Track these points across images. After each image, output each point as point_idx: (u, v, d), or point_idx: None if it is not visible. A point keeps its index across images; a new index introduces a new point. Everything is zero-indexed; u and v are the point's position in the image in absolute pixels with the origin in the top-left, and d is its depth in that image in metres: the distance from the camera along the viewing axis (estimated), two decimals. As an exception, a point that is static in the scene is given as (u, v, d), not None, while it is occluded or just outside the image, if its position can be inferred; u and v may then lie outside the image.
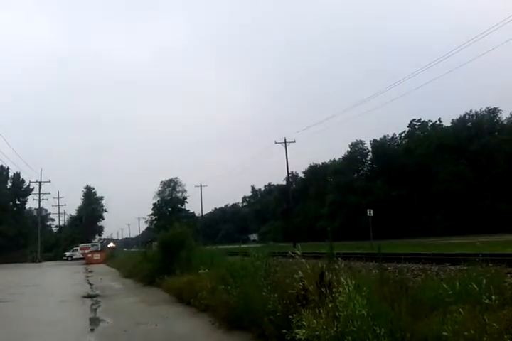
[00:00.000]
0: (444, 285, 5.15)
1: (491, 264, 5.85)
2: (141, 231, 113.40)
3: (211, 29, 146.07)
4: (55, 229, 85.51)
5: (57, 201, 75.68)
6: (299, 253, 6.76)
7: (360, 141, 69.89)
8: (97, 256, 43.51)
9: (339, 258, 6.22)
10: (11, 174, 69.65)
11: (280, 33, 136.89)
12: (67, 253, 58.61)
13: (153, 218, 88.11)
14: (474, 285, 4.78)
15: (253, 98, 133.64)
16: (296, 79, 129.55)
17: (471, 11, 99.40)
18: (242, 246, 20.22)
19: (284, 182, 70.86)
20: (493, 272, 5.51)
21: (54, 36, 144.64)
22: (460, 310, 4.22)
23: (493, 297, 4.21)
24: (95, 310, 10.86)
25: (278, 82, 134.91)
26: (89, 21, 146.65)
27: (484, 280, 4.90)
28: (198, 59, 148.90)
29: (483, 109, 57.52)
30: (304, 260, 6.47)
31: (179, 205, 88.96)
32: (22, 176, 69.53)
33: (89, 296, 13.62)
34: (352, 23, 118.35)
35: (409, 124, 65.19)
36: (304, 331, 4.70)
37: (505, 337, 3.58)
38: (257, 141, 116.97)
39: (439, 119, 62.52)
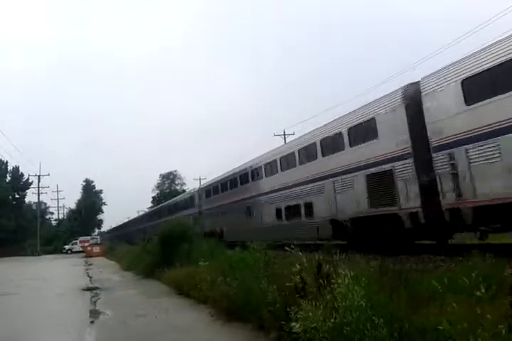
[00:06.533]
0: (434, 282, 5.09)
1: (490, 254, 5.86)
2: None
3: (210, 19, 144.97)
4: (54, 223, 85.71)
5: (56, 194, 75.74)
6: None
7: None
8: (96, 249, 43.57)
9: (337, 250, 6.24)
10: (10, 168, 69.67)
11: (282, 25, 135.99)
12: (67, 247, 58.71)
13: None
14: (465, 280, 4.75)
15: (253, 90, 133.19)
16: (298, 70, 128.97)
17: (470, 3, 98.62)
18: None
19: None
20: (491, 262, 5.54)
21: (53, 29, 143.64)
22: (454, 304, 4.22)
23: (482, 290, 4.19)
24: (95, 302, 10.91)
25: (279, 73, 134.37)
26: (87, 12, 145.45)
27: (482, 271, 4.91)
28: (198, 49, 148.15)
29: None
30: (300, 253, 6.48)
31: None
32: (21, 170, 69.65)
33: (89, 289, 13.68)
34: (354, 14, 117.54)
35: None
36: (302, 322, 4.72)
37: (500, 326, 3.59)
38: (256, 133, 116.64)
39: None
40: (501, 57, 8.93)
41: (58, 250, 59.60)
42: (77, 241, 57.92)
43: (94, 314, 9.15)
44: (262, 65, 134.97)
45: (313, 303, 4.87)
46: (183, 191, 79.43)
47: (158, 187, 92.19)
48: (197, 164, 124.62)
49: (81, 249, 50.62)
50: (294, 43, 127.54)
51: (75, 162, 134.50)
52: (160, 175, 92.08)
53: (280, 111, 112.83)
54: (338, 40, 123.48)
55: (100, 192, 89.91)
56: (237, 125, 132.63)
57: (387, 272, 6.24)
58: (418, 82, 11.33)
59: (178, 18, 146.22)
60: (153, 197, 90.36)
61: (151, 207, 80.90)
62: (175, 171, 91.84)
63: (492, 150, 9.10)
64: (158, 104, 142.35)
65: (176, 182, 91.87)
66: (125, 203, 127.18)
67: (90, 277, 18.45)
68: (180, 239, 15.41)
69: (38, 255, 54.28)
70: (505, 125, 8.80)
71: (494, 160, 9.06)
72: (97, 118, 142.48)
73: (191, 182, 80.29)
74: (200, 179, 74.03)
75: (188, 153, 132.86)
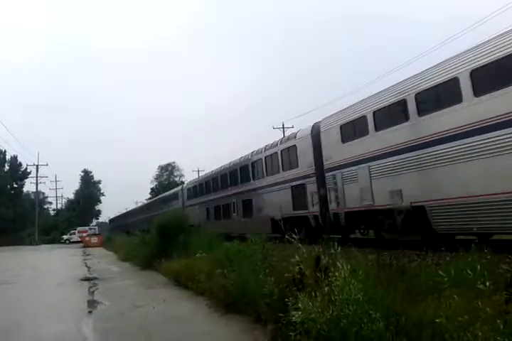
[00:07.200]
0: (440, 273, 5.14)
1: (487, 250, 5.86)
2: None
3: (209, 17, 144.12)
4: (52, 213, 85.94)
5: (54, 184, 75.77)
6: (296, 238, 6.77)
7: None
8: (94, 240, 43.69)
9: (335, 243, 6.22)
10: (8, 157, 69.59)
11: (282, 21, 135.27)
12: (65, 237, 58.90)
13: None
14: (470, 272, 4.79)
15: (252, 83, 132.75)
16: (299, 64, 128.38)
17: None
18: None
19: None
20: (488, 258, 5.54)
21: (54, 25, 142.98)
22: (454, 296, 4.24)
23: (487, 283, 4.22)
24: (93, 292, 10.93)
25: (280, 66, 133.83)
26: (86, 7, 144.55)
27: (479, 266, 4.91)
28: (198, 43, 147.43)
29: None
30: (300, 244, 6.48)
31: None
32: (19, 159, 69.58)
33: (87, 279, 13.71)
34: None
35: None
36: (299, 313, 4.73)
37: (498, 321, 3.60)
38: (254, 126, 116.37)
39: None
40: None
41: (57, 240, 59.79)
42: (76, 231, 58.04)
43: (92, 304, 9.18)
44: (261, 62, 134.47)
45: (312, 295, 4.88)
46: (182, 182, 79.49)
47: (156, 178, 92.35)
48: (195, 156, 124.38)
49: (79, 239, 50.70)
50: (293, 39, 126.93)
51: (73, 152, 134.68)
52: (159, 166, 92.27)
53: (279, 106, 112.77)
54: (339, 36, 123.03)
55: (98, 182, 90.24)
56: (236, 119, 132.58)
57: (384, 265, 6.24)
58: None
59: (179, 13, 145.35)
60: (151, 189, 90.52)
61: (149, 198, 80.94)
62: (173, 163, 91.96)
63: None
64: (158, 97, 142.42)
65: (175, 174, 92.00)
66: (123, 194, 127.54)
67: (88, 267, 18.50)
68: (178, 230, 15.42)
69: (37, 244, 54.38)
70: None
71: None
72: (96, 110, 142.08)
73: (190, 173, 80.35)
74: (198, 171, 74.09)
75: (187, 145, 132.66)
